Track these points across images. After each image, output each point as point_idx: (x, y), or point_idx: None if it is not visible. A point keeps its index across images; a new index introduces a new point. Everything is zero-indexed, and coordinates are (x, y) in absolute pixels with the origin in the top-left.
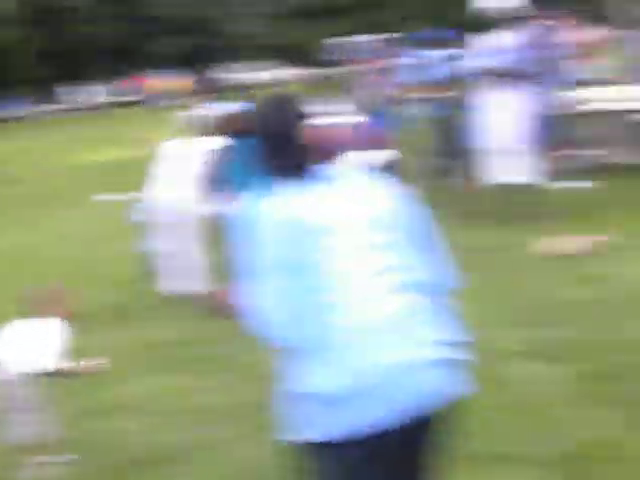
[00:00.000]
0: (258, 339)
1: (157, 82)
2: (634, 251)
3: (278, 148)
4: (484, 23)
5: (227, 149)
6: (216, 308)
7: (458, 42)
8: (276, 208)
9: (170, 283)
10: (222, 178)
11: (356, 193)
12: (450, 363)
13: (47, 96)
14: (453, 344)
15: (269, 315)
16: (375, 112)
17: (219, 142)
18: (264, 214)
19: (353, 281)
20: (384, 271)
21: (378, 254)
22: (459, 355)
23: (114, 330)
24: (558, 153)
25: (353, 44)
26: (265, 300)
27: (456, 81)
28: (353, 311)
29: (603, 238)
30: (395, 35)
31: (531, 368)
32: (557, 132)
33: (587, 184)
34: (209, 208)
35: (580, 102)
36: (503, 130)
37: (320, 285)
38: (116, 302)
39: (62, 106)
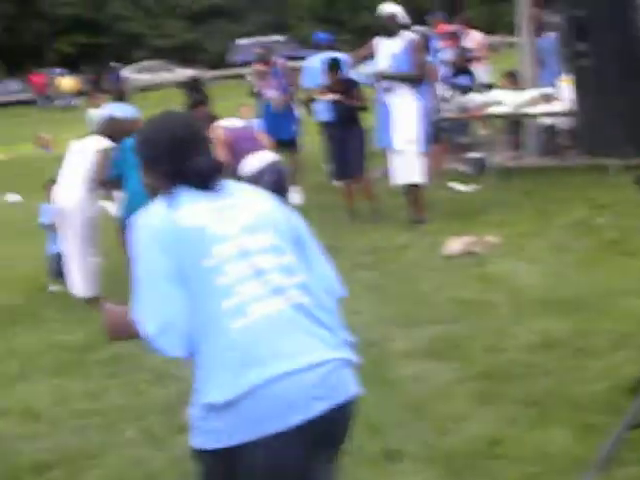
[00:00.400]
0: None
1: (54, 81)
2: (520, 252)
3: (181, 155)
4: (383, 28)
5: (114, 151)
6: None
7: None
8: (163, 216)
9: (73, 285)
10: (110, 179)
11: (238, 201)
12: (339, 364)
13: None
14: (341, 345)
15: (149, 324)
16: (278, 114)
17: (108, 143)
18: (151, 221)
19: (240, 287)
20: (271, 274)
21: (264, 258)
22: (347, 355)
23: (20, 333)
24: (446, 155)
25: (254, 45)
26: (148, 309)
27: (350, 85)
28: (240, 316)
29: (492, 239)
30: (283, 38)
31: (421, 367)
32: (445, 135)
33: (474, 186)
34: (96, 209)
35: (467, 106)
36: (396, 132)
37: (207, 291)
38: (22, 304)
39: None
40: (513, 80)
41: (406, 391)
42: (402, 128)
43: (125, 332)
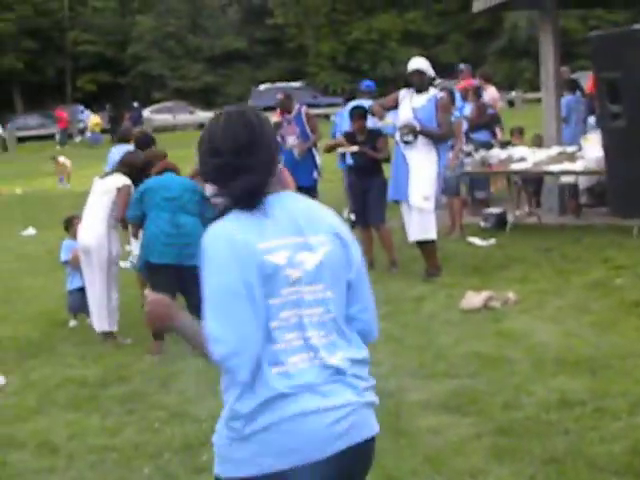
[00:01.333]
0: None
1: (77, 117)
2: (538, 309)
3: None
4: (413, 83)
5: (136, 187)
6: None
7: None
8: (248, 241)
9: (95, 321)
10: (129, 219)
11: (310, 240)
12: (361, 405)
13: None
14: (365, 389)
15: (222, 343)
16: (299, 160)
17: (128, 181)
18: (235, 243)
19: (286, 334)
20: (313, 330)
21: (312, 312)
22: (369, 399)
23: (37, 366)
24: (466, 209)
25: (274, 91)
26: (223, 328)
27: (375, 135)
28: (279, 365)
29: (511, 295)
30: (303, 84)
31: (438, 419)
32: (466, 189)
33: (492, 241)
34: (118, 246)
35: (489, 161)
36: (413, 188)
37: (263, 324)
38: (40, 338)
39: None
40: (520, 136)
41: (423, 443)
42: (420, 185)
43: (166, 323)
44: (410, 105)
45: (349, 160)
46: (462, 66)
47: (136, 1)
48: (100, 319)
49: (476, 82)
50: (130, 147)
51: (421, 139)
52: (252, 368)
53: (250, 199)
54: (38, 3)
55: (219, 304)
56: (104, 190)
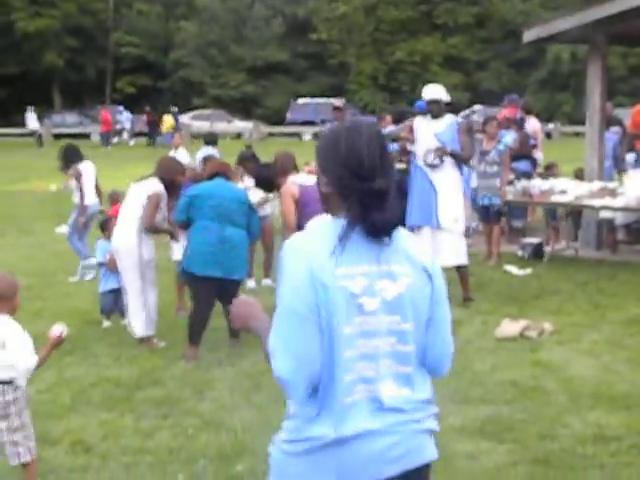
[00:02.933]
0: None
1: (115, 118)
2: (574, 342)
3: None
4: (429, 110)
5: (167, 195)
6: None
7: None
8: (326, 265)
9: (131, 324)
10: (176, 223)
11: (393, 268)
12: (416, 430)
13: (4, 119)
14: (425, 417)
15: (284, 364)
16: None
17: (160, 188)
18: (314, 264)
19: (359, 363)
20: (385, 360)
21: (387, 342)
22: (428, 426)
23: (71, 364)
24: (502, 238)
25: (313, 105)
26: (286, 348)
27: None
28: (349, 394)
29: (547, 325)
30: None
31: (475, 445)
32: (501, 218)
33: (529, 271)
34: (151, 251)
35: (530, 191)
36: (442, 210)
37: (334, 358)
38: (74, 337)
39: (19, 130)
40: (553, 171)
41: (459, 468)
42: (449, 207)
43: (246, 322)
44: (430, 131)
45: None
46: (514, 96)
47: (181, 7)
48: (135, 323)
49: (517, 113)
50: (213, 150)
51: (448, 162)
52: (307, 389)
53: (390, 232)
54: (83, 2)
55: (284, 323)
56: (137, 194)
